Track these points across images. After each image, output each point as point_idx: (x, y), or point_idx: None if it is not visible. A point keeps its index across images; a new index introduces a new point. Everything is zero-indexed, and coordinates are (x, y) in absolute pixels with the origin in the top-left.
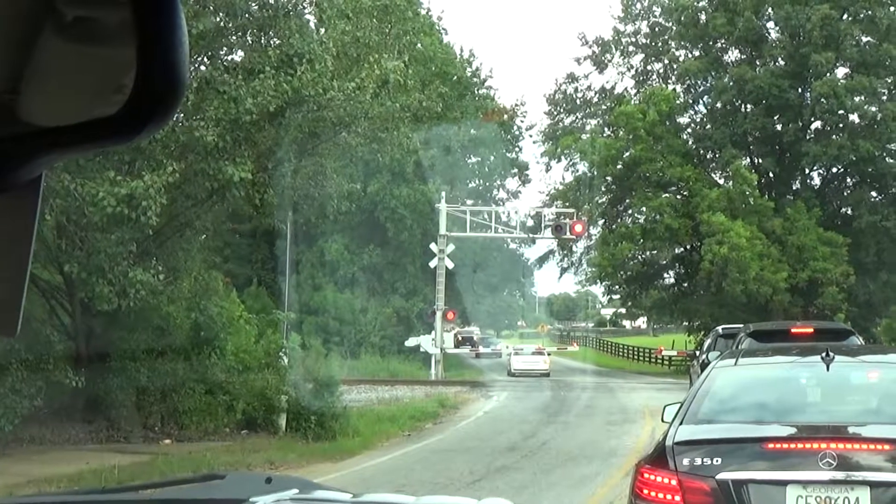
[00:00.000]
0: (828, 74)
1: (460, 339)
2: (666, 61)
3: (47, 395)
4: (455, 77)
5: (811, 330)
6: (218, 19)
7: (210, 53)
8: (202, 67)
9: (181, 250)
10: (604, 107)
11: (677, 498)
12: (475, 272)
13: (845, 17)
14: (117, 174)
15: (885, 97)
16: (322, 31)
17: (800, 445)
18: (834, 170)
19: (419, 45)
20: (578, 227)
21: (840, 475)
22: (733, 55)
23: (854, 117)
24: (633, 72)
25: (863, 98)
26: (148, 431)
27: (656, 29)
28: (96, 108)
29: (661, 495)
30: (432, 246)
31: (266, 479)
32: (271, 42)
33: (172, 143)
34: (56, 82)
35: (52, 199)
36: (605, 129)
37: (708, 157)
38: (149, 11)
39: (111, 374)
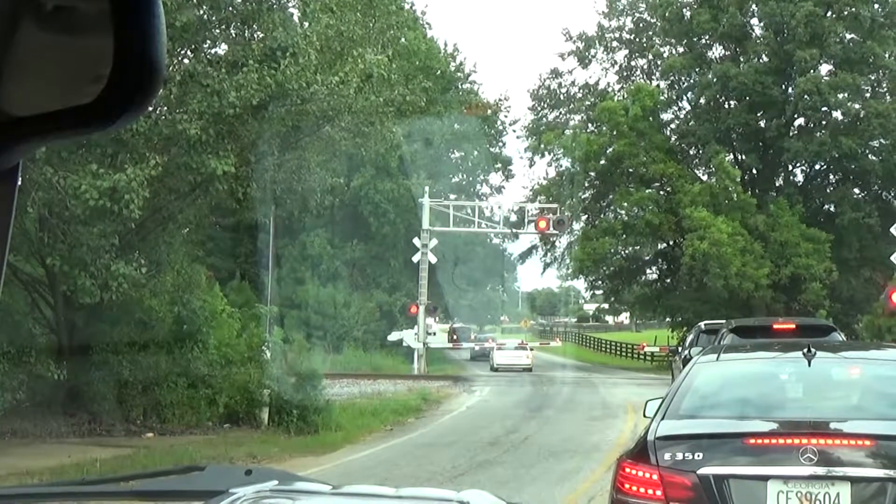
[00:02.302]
0: (811, 71)
1: (455, 336)
2: (650, 57)
3: (29, 389)
4: (439, 71)
5: (793, 326)
6: (201, 12)
7: (193, 46)
8: (185, 60)
9: (164, 244)
10: (587, 102)
11: (659, 493)
12: (458, 267)
13: (829, 14)
14: (100, 167)
15: (868, 94)
16: (306, 24)
17: (781, 441)
18: (817, 166)
19: (403, 39)
20: (561, 223)
21: (821, 470)
22: (717, 51)
23: (837, 114)
24: (616, 67)
25: (846, 95)
26: (130, 425)
27: (640, 25)
28: (73, 96)
29: (642, 490)
30: (415, 240)
31: (246, 471)
32: (255, 35)
33: (155, 137)
34: (33, 71)
35: (35, 191)
36: (589, 124)
37: (691, 153)
38: (126, 2)
39: (93, 367)
